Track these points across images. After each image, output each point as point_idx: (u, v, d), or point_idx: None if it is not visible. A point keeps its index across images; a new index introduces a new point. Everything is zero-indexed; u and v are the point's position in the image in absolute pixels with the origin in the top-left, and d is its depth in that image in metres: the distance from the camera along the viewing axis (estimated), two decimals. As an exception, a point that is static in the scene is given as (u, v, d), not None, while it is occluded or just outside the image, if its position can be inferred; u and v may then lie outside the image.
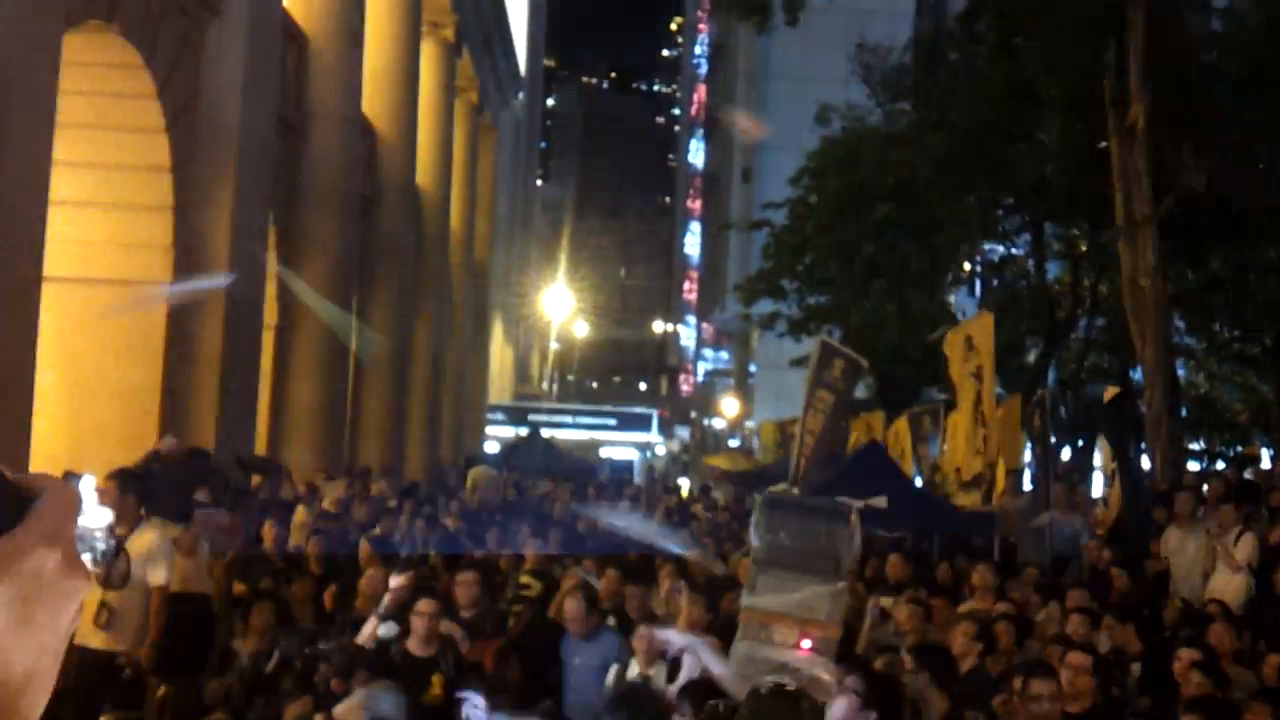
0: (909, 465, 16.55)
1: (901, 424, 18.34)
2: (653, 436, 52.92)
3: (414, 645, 6.53)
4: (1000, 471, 12.90)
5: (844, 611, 5.02)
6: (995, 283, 25.92)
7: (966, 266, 26.48)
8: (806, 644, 4.71)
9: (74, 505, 0.86)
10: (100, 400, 11.87)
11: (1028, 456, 15.62)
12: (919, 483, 15.14)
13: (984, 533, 11.66)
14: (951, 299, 27.13)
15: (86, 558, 3.35)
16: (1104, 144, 16.20)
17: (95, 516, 3.74)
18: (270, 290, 15.45)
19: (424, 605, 6.61)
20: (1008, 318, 21.16)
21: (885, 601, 8.00)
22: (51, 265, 9.67)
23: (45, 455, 10.31)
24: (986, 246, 25.26)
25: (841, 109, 25.97)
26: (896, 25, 35.54)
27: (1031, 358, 23.33)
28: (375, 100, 20.30)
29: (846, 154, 24.49)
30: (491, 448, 36.58)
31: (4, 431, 8.43)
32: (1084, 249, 22.56)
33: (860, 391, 20.52)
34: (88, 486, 3.77)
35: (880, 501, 10.94)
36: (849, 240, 24.21)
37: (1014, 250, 24.86)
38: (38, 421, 9.37)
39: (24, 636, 0.79)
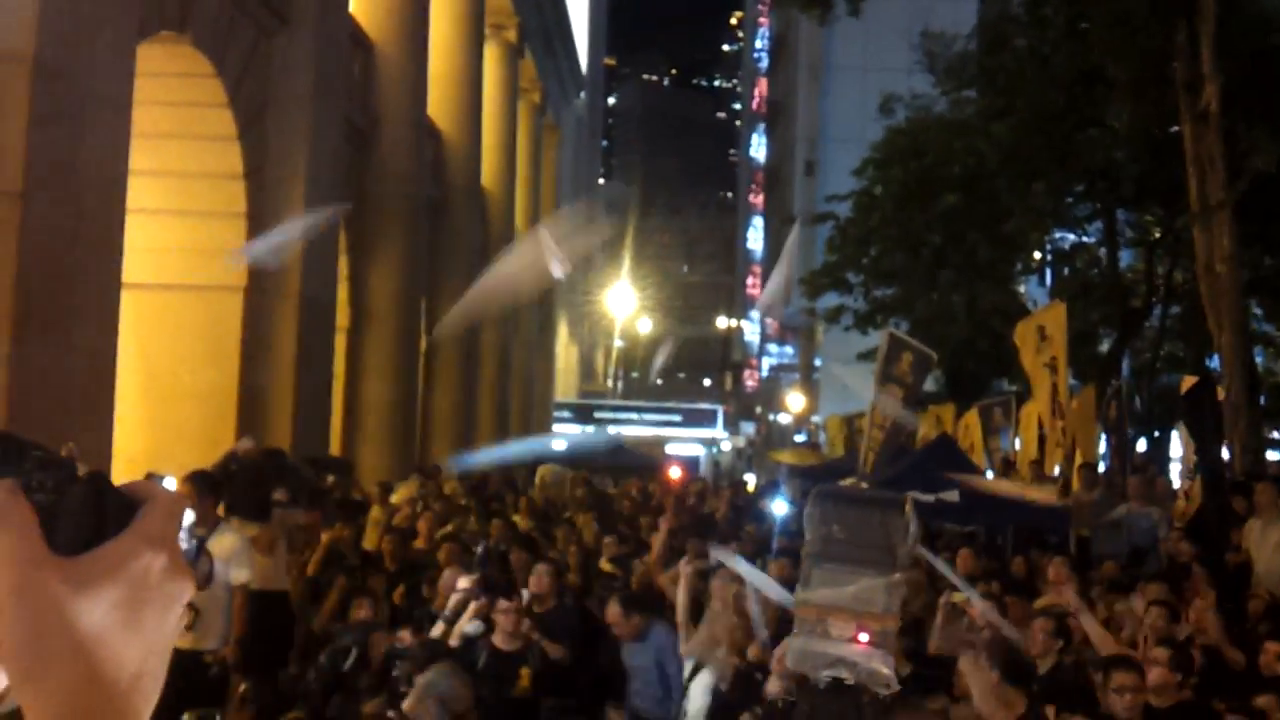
0: (980, 458, 16.37)
1: (972, 417, 18.14)
2: (718, 432, 52.82)
3: (500, 641, 6.61)
4: (1076, 464, 12.71)
5: (901, 603, 5.00)
6: (1067, 271, 25.50)
7: (1037, 255, 26.08)
8: (864, 637, 4.68)
9: (178, 510, 0.89)
10: (179, 402, 12.14)
11: (1103, 449, 15.38)
12: (991, 476, 14.96)
13: (1059, 527, 11.50)
14: (1022, 289, 26.75)
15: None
16: (1176, 128, 15.87)
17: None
18: (342, 293, 15.69)
19: (504, 602, 6.72)
20: (1080, 307, 20.81)
21: (958, 597, 7.90)
22: (129, 272, 9.90)
23: (126, 457, 10.57)
24: (1057, 234, 24.87)
25: (905, 98, 25.71)
26: (960, 12, 35.08)
27: (1105, 348, 22.93)
28: (441, 104, 20.52)
29: (911, 144, 24.24)
30: (559, 445, 36.76)
31: (87, 434, 8.65)
32: (1157, 235, 22.13)
33: (929, 384, 20.32)
34: (169, 488, 3.89)
35: (952, 495, 10.86)
36: (915, 231, 23.96)
37: (1085, 238, 24.46)
38: (119, 424, 9.61)
39: (133, 638, 0.81)
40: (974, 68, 23.19)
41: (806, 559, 4.96)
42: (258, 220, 12.92)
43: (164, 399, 12.04)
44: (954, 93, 24.88)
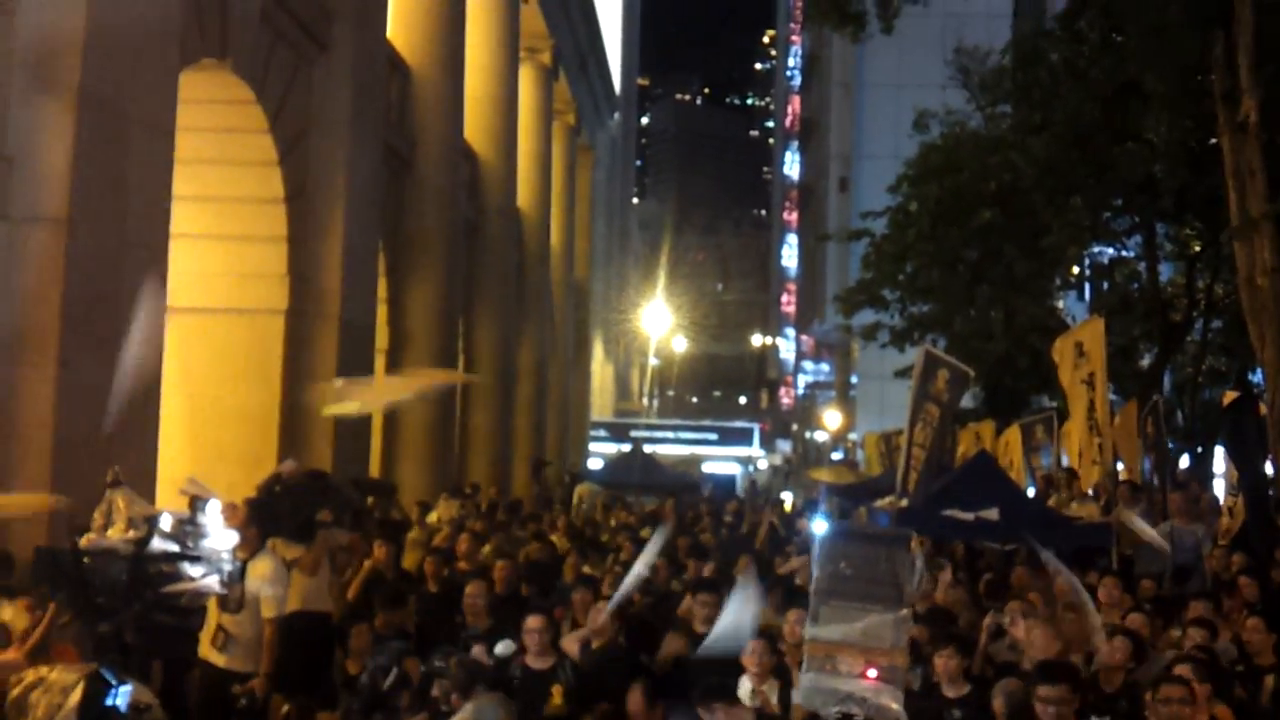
0: (1020, 476, 16.23)
1: (1012, 434, 17.99)
2: (754, 450, 52.73)
3: (531, 660, 6.62)
4: (1118, 481, 12.57)
5: (909, 638, 5.00)
6: (1106, 286, 25.27)
7: (1075, 270, 25.87)
8: (872, 673, 4.69)
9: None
10: (222, 423, 12.29)
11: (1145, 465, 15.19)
12: (1031, 493, 14.83)
13: (1102, 544, 11.36)
14: (1061, 304, 26.53)
15: (214, 579, 3.61)
16: (1215, 140, 15.73)
17: (222, 539, 4.02)
18: (381, 315, 15.83)
19: (533, 621, 6.70)
20: (1120, 322, 20.62)
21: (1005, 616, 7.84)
22: (173, 296, 10.05)
23: (170, 477, 10.66)
24: (1096, 249, 24.67)
25: (939, 114, 25.64)
26: (993, 28, 35.02)
27: (1146, 363, 22.70)
28: (476, 126, 20.71)
29: (946, 159, 24.16)
30: (595, 464, 36.81)
31: (133, 455, 8.77)
32: (1198, 249, 21.90)
33: (967, 401, 20.19)
34: (214, 509, 4.02)
35: (992, 513, 10.76)
36: (952, 247, 23.84)
37: (1124, 252, 24.24)
38: (163, 445, 9.74)
39: None
40: (1009, 82, 23.10)
41: (815, 596, 4.97)
42: (299, 244, 13.09)
43: (207, 420, 12.19)
44: (989, 108, 24.79)
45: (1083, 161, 19.83)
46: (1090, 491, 13.05)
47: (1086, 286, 27.83)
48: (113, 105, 8.90)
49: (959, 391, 12.34)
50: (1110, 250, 24.86)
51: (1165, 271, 23.68)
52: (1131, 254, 24.16)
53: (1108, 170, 20.02)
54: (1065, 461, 15.57)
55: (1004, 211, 22.18)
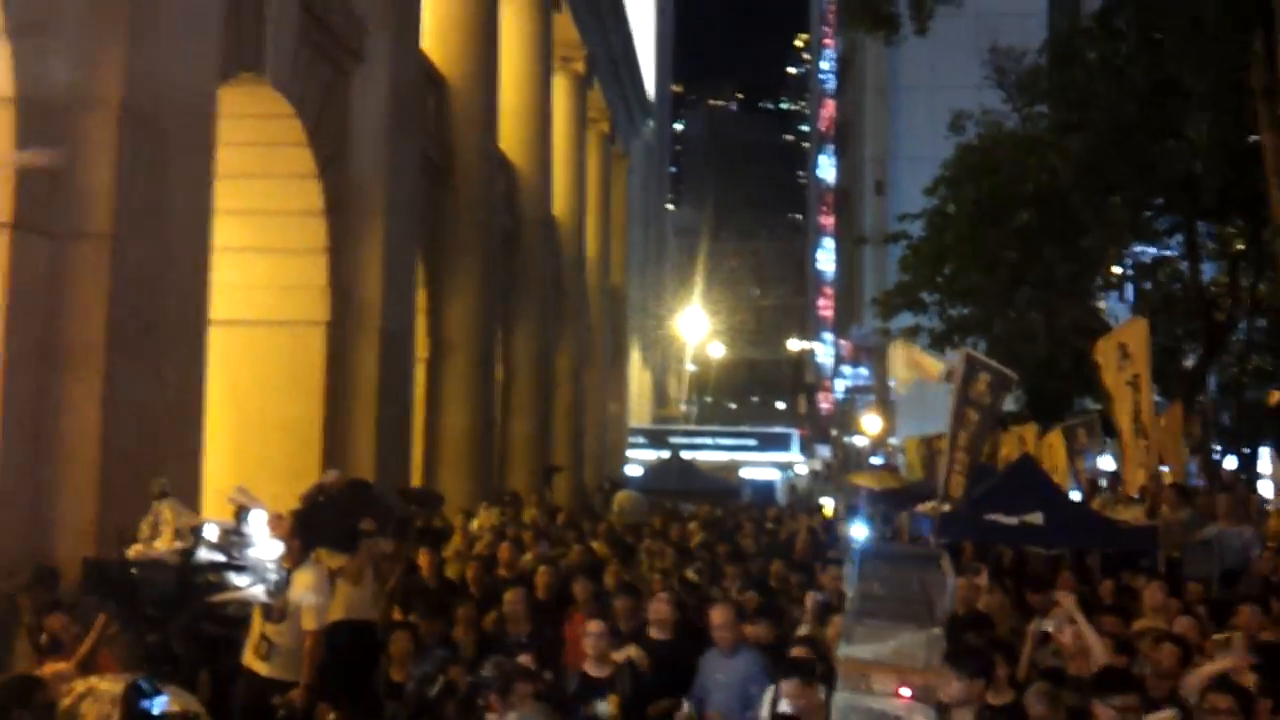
0: (1064, 479, 16.07)
1: (1055, 437, 17.82)
2: (794, 456, 52.50)
3: (589, 666, 6.61)
4: (1165, 483, 12.42)
5: (942, 657, 4.98)
6: (1148, 286, 24.99)
7: (1116, 270, 25.60)
8: (906, 692, 4.68)
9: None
10: (265, 434, 12.40)
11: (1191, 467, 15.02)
12: (1077, 497, 14.69)
13: (1148, 548, 11.23)
14: (1102, 305, 26.26)
15: (260, 588, 3.65)
16: (1255, 137, 15.54)
17: (268, 548, 4.06)
18: (420, 325, 15.93)
19: (594, 625, 6.69)
20: (1163, 322, 20.39)
21: (1049, 623, 7.74)
22: (215, 308, 10.16)
23: (214, 488, 10.79)
24: (1137, 248, 24.41)
25: (975, 115, 25.48)
26: (1028, 27, 34.76)
27: (1190, 363, 22.43)
28: (511, 136, 20.82)
29: (983, 160, 23.99)
30: (633, 471, 36.81)
31: (177, 466, 8.87)
32: (1240, 247, 21.63)
33: (1010, 404, 20.02)
34: (259, 520, 4.06)
35: (1036, 517, 10.67)
36: (990, 249, 23.67)
37: (1166, 251, 23.97)
38: (207, 456, 9.84)
39: None
40: (1045, 82, 22.92)
41: (848, 616, 4.98)
42: (339, 255, 13.21)
43: (250, 431, 12.30)
44: (1025, 108, 24.60)
45: (1122, 160, 19.65)
46: (1135, 494, 12.90)
47: (1128, 287, 27.54)
48: (153, 121, 9.01)
49: (1001, 395, 12.24)
50: (1152, 250, 24.58)
51: (1208, 270, 23.39)
52: (1173, 253, 23.89)
53: (1147, 169, 19.83)
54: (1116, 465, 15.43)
55: (1043, 212, 21.99)
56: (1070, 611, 6.79)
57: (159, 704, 4.80)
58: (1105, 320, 22.88)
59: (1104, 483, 17.29)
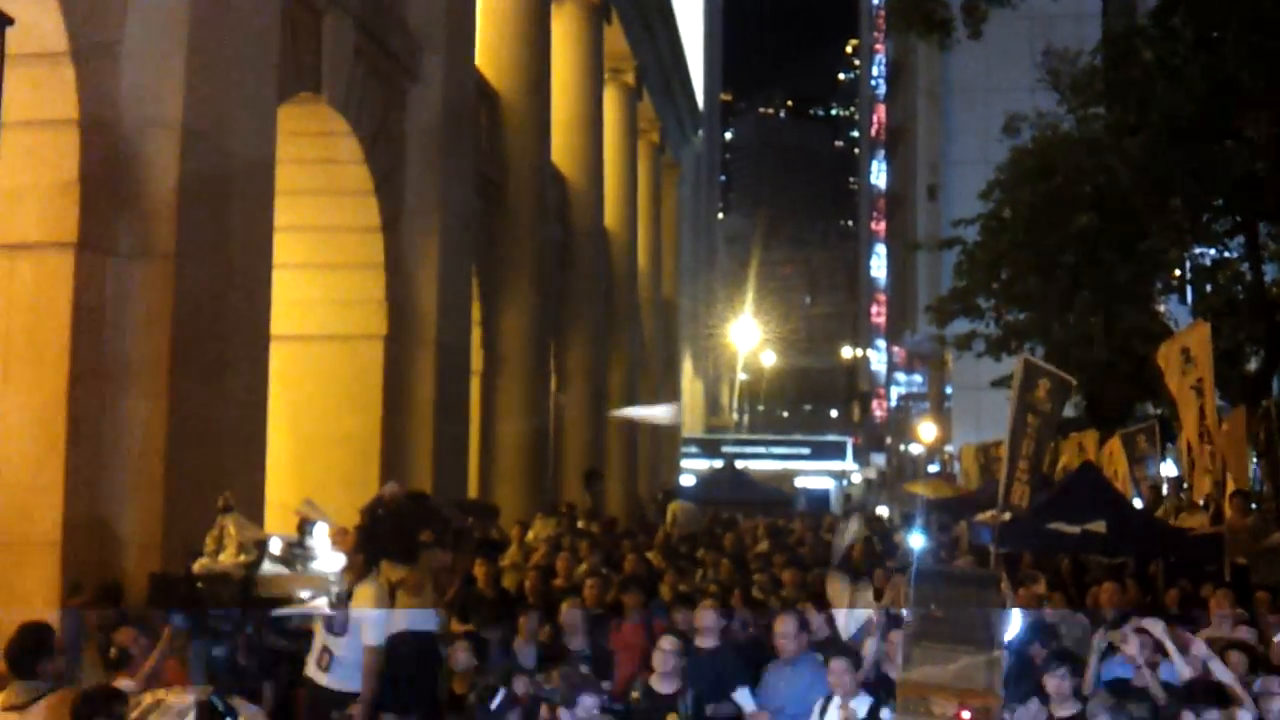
0: (1125, 486, 15.83)
1: (1115, 444, 17.56)
2: (848, 464, 52.16)
3: (655, 681, 6.61)
4: (1228, 490, 12.19)
5: (1002, 679, 4.93)
6: (1209, 289, 24.57)
7: (1177, 273, 25.20)
8: (966, 715, 4.64)
9: None
10: (325, 448, 12.55)
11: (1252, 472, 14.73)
12: (1138, 504, 14.46)
13: (1213, 556, 11.03)
14: (1162, 308, 25.85)
15: (323, 600, 3.69)
16: (1318, 135, 15.23)
17: (331, 561, 4.10)
18: (475, 338, 16.04)
19: (667, 642, 6.68)
20: (1225, 325, 19.99)
21: (1114, 635, 7.62)
22: (276, 324, 10.30)
23: (277, 502, 10.93)
24: (1197, 250, 24.00)
25: (1030, 118, 25.20)
26: (1083, 28, 34.38)
27: (1253, 366, 21.99)
28: (563, 149, 20.92)
29: (1039, 163, 23.73)
30: (687, 480, 36.76)
31: (240, 481, 9.00)
32: (1303, 247, 21.22)
33: (1069, 410, 19.74)
34: (321, 533, 4.10)
35: (1099, 525, 10.52)
36: (1048, 253, 23.39)
37: (1227, 253, 23.54)
38: (269, 470, 9.98)
39: None
40: (1100, 83, 22.62)
41: (905, 639, 4.93)
42: (395, 270, 13.35)
43: (311, 445, 12.45)
44: (1080, 110, 24.30)
45: (1181, 161, 19.34)
46: (1200, 501, 12.68)
47: (1188, 290, 27.10)
48: (214, 140, 9.17)
49: (1061, 401, 12.08)
50: (1212, 252, 24.16)
51: (1269, 272, 22.93)
52: (1234, 255, 23.45)
53: (1207, 170, 19.50)
54: (1178, 471, 15.17)
55: (1101, 215, 21.70)
56: (1158, 638, 6.62)
57: None
58: (1165, 324, 22.52)
59: (1165, 489, 17.02)
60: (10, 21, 5.86)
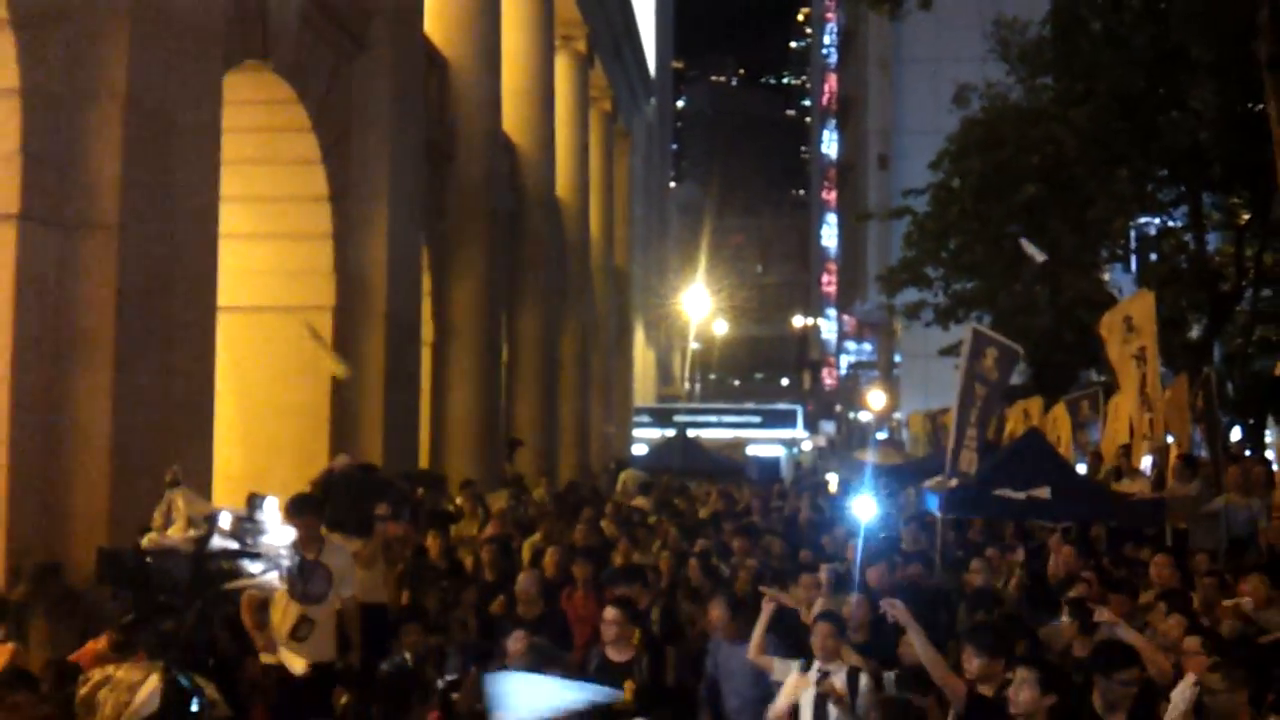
0: (1069, 452, 16.09)
1: (1059, 410, 17.84)
2: (799, 433, 52.54)
3: (610, 651, 6.68)
4: (1171, 455, 12.43)
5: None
6: (1153, 258, 24.95)
7: (1122, 242, 25.56)
8: None
9: None
10: (274, 420, 12.46)
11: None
12: (1082, 469, 14.71)
13: (1154, 521, 11.28)
14: (1107, 277, 26.22)
15: (274, 574, 3.71)
16: (1261, 107, 15.48)
17: (281, 535, 4.12)
18: (425, 308, 15.94)
19: (610, 613, 6.75)
20: (1168, 293, 20.33)
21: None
22: (222, 295, 10.18)
23: (225, 474, 10.86)
24: (1142, 220, 24.35)
25: (980, 88, 25.37)
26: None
27: (1195, 334, 22.41)
28: (514, 117, 20.76)
29: (988, 134, 23.91)
30: (638, 450, 36.87)
31: (189, 454, 8.91)
32: (1245, 218, 21.58)
33: (1015, 378, 20.01)
34: (272, 507, 4.11)
35: (1043, 492, 10.69)
36: (996, 222, 23.62)
37: (1171, 223, 23.91)
38: (218, 443, 9.89)
39: None
40: (1049, 53, 22.80)
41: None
42: (344, 240, 13.22)
43: (260, 417, 12.35)
44: (1030, 80, 24.50)
45: (1127, 131, 19.57)
46: (1143, 467, 12.92)
47: (1133, 258, 27.50)
48: (159, 110, 9.02)
49: (1008, 370, 12.25)
50: (1156, 221, 24.52)
51: (1213, 241, 23.32)
52: (1178, 224, 23.82)
53: (1153, 140, 19.76)
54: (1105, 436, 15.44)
55: (1048, 185, 21.93)
56: (1117, 626, 6.67)
57: (202, 702, 4.84)
58: (1110, 293, 22.86)
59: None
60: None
